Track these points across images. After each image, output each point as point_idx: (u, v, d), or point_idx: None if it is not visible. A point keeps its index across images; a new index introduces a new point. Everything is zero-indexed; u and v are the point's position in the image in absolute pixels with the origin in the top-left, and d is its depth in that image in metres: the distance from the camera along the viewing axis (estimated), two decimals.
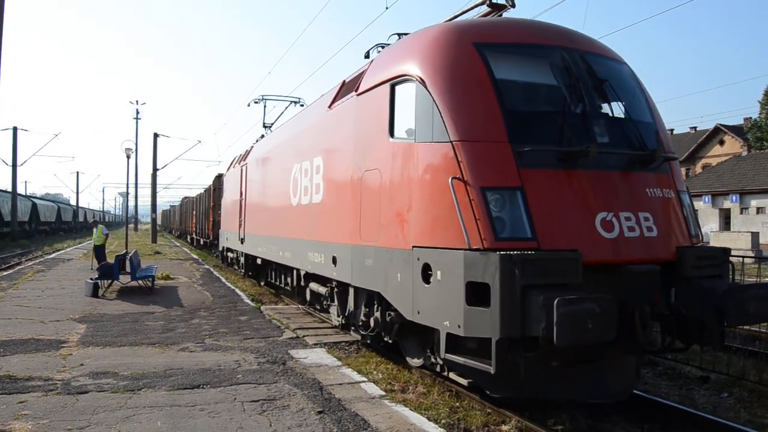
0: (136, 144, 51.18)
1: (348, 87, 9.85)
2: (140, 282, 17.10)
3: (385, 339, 8.57)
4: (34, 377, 7.66)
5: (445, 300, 6.15)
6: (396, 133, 7.62)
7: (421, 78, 7.04)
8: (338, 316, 10.60)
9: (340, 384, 7.56)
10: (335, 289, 10.41)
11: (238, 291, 17.62)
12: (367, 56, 10.07)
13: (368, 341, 9.71)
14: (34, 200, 66.79)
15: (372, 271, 8.02)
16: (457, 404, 7.11)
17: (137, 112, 53.19)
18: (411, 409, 6.64)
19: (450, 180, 6.18)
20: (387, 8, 14.87)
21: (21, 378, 7.60)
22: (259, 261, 17.40)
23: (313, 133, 11.36)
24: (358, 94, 8.97)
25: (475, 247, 5.87)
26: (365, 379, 7.86)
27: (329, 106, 10.55)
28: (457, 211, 6.03)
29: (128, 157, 28.14)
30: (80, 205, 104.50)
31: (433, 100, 6.72)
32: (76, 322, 11.81)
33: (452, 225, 6.17)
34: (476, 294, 5.76)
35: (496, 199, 6.01)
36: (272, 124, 20.76)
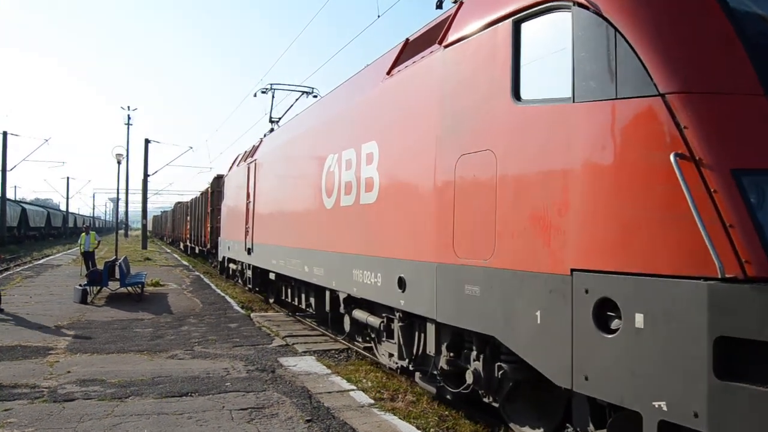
0: (127, 150, 51.05)
1: (420, 42, 7.43)
2: (129, 288, 17.00)
3: (486, 400, 6.18)
4: (20, 384, 7.59)
5: (658, 364, 3.83)
6: (527, 93, 5.17)
7: (587, 1, 4.63)
8: (400, 358, 7.82)
9: (329, 392, 7.54)
10: (398, 323, 7.69)
11: (228, 298, 17.55)
12: (439, 6, 7.90)
13: (447, 396, 7.12)
14: (24, 205, 66.30)
15: (477, 302, 5.59)
16: (447, 413, 7.09)
17: (128, 118, 53.08)
18: (400, 418, 6.63)
19: (673, 158, 3.81)
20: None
21: (7, 385, 7.53)
22: (272, 276, 14.50)
23: (360, 112, 8.79)
24: (445, 47, 6.48)
25: (731, 275, 3.54)
26: (354, 387, 7.84)
27: (387, 73, 8.03)
28: (693, 211, 3.67)
29: (119, 162, 28.11)
30: (70, 210, 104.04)
31: (617, 32, 4.35)
32: (64, 329, 11.72)
33: (673, 235, 3.85)
34: (734, 360, 3.54)
35: (762, 191, 3.75)
36: (280, 118, 18.42)
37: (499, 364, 5.71)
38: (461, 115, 6.02)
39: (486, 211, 5.44)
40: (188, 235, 39.42)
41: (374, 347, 9.13)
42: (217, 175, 28.21)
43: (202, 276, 25.15)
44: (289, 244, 12.11)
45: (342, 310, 9.69)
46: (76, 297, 15.86)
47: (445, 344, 6.59)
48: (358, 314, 9.02)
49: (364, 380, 8.28)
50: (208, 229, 29.04)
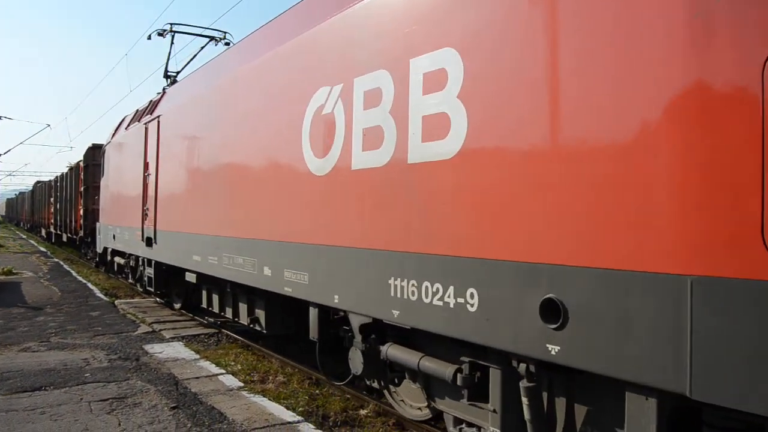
0: None
1: None
2: None
3: None
4: None
5: None
6: None
7: None
8: None
9: (197, 378, 7.38)
10: (527, 381, 4.08)
11: (90, 285, 16.64)
12: None
13: None
14: None
15: None
16: (317, 391, 7.17)
17: None
18: (270, 399, 6.63)
19: None
20: None
21: None
22: (190, 277, 10.20)
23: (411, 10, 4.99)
24: None
25: None
26: (223, 371, 7.73)
27: None
28: None
29: None
30: None
31: None
32: None
33: None
34: None
35: None
36: (178, 72, 14.31)
37: None
38: None
39: None
40: (52, 220, 33.67)
41: (391, 398, 6.20)
42: (93, 144, 22.73)
43: (61, 263, 23.61)
44: (227, 233, 8.14)
45: (360, 341, 5.80)
46: None
47: None
48: (399, 354, 5.37)
49: (234, 363, 8.18)
50: (81, 212, 23.60)
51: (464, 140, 4.26)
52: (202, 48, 14.44)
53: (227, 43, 14.32)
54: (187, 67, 14.27)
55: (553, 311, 3.58)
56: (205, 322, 11.22)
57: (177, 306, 12.55)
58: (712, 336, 2.83)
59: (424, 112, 4.67)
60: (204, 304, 10.24)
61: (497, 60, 4.09)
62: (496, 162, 4.05)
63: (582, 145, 3.51)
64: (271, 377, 7.64)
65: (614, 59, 3.35)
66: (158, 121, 11.66)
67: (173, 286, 12.12)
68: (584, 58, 3.52)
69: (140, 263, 13.28)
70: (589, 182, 3.43)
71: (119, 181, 14.90)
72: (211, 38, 14.58)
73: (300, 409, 6.45)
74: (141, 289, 14.08)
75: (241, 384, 7.17)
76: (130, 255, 14.13)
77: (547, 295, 3.62)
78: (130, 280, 15.01)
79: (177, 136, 10.75)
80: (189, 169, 9.93)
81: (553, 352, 3.57)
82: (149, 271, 12.39)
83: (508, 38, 4.04)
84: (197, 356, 8.51)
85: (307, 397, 6.87)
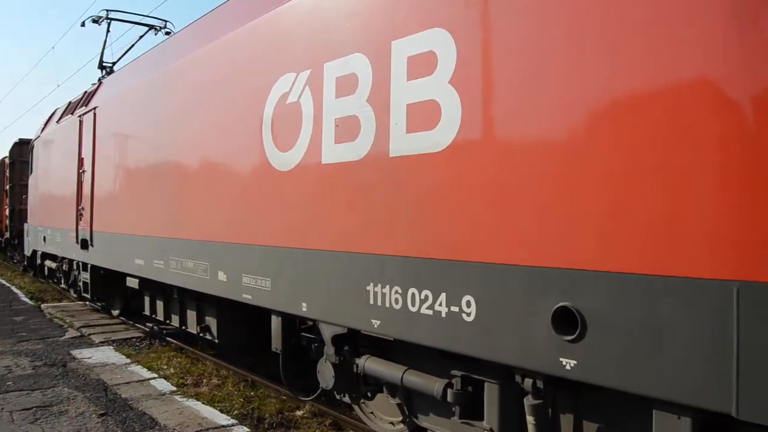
0: None
1: None
2: None
3: None
4: None
5: None
6: None
7: None
8: None
9: (128, 383, 7.16)
10: (532, 398, 3.69)
11: (14, 289, 15.94)
12: None
13: None
14: None
15: None
16: (252, 394, 7.06)
17: None
18: (203, 403, 6.49)
19: None
20: None
21: None
22: (132, 283, 9.32)
23: None
24: None
25: None
26: (156, 375, 7.53)
27: None
28: None
29: None
30: None
31: None
32: None
33: None
34: None
35: None
36: (115, 62, 13.52)
37: None
38: None
39: None
40: None
41: (362, 412, 5.71)
42: (20, 139, 21.60)
43: None
44: (176, 235, 7.47)
45: (333, 353, 5.20)
46: None
47: None
48: (378, 368, 4.89)
49: (167, 367, 7.98)
50: (6, 212, 22.56)
51: (458, 130, 3.80)
52: (141, 37, 13.78)
53: (168, 33, 13.51)
54: (124, 57, 13.59)
55: (568, 321, 3.18)
56: (139, 326, 10.89)
57: (115, 313, 11.73)
58: (764, 348, 2.50)
59: (409, 100, 4.17)
60: (147, 311, 9.42)
61: (500, 38, 3.62)
62: (498, 153, 3.57)
63: (607, 131, 3.05)
64: (205, 380, 7.48)
65: (658, 38, 2.87)
66: (95, 113, 10.75)
67: (112, 291, 11.13)
68: (617, 32, 3.04)
69: (74, 267, 12.39)
70: (614, 175, 3.00)
71: (50, 178, 13.81)
72: (151, 27, 13.80)
73: (235, 412, 6.33)
74: (75, 296, 13.15)
75: (174, 388, 7.00)
76: (63, 258, 13.18)
77: (561, 304, 3.21)
78: (63, 285, 14.01)
79: (116, 129, 9.89)
80: (131, 165, 9.12)
81: (567, 367, 3.18)
82: (84, 276, 11.43)
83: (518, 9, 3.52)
84: (128, 361, 8.26)
85: (242, 400, 6.76)
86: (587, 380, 3.13)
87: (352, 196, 4.69)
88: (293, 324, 6.00)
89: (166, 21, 13.81)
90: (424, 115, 4.05)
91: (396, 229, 4.27)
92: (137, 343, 9.57)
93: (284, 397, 6.91)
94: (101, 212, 10.25)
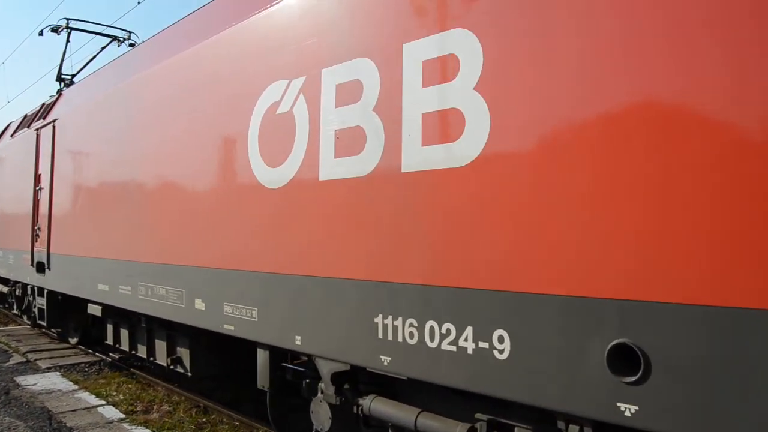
0: None
1: None
2: None
3: None
4: None
5: None
6: None
7: None
8: None
9: (74, 410, 6.95)
10: None
11: None
12: None
13: None
14: None
15: None
16: (204, 419, 6.93)
17: None
18: (153, 430, 6.34)
19: None
20: None
21: None
22: (95, 310, 8.57)
23: None
24: None
25: None
26: (104, 402, 7.34)
27: None
28: None
29: None
30: None
31: None
32: None
33: None
34: None
35: None
36: (75, 75, 12.83)
37: None
38: None
39: None
40: None
41: None
42: None
43: None
44: (145, 259, 6.84)
45: (332, 393, 4.59)
46: None
47: None
48: (387, 410, 4.28)
49: (116, 393, 7.78)
50: None
51: (486, 141, 3.35)
52: (103, 48, 13.05)
53: (132, 44, 12.91)
54: (85, 69, 12.80)
55: (628, 361, 2.72)
56: (88, 351, 10.57)
57: (73, 341, 11.03)
58: None
59: (425, 109, 3.71)
60: (110, 341, 8.55)
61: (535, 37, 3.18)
62: (537, 167, 3.11)
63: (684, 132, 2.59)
64: (155, 406, 7.31)
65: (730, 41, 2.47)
66: (53, 126, 9.97)
67: (70, 318, 10.44)
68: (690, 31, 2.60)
69: (29, 292, 11.53)
70: (691, 187, 2.52)
71: (3, 196, 13.01)
72: (114, 38, 13.12)
73: None
74: (29, 323, 12.40)
75: (123, 415, 6.82)
76: (17, 282, 12.24)
77: (619, 340, 2.76)
78: (15, 311, 13.05)
79: (78, 143, 9.09)
80: (95, 182, 8.32)
81: (627, 413, 2.72)
82: (40, 302, 10.58)
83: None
84: (75, 387, 8.02)
85: (193, 426, 6.63)
86: (653, 429, 2.68)
87: (357, 216, 4.15)
88: (281, 357, 5.42)
89: (130, 32, 13.27)
90: (443, 126, 3.61)
91: (410, 253, 3.74)
92: (86, 369, 9.31)
93: (237, 423, 6.78)
94: (60, 233, 9.46)
